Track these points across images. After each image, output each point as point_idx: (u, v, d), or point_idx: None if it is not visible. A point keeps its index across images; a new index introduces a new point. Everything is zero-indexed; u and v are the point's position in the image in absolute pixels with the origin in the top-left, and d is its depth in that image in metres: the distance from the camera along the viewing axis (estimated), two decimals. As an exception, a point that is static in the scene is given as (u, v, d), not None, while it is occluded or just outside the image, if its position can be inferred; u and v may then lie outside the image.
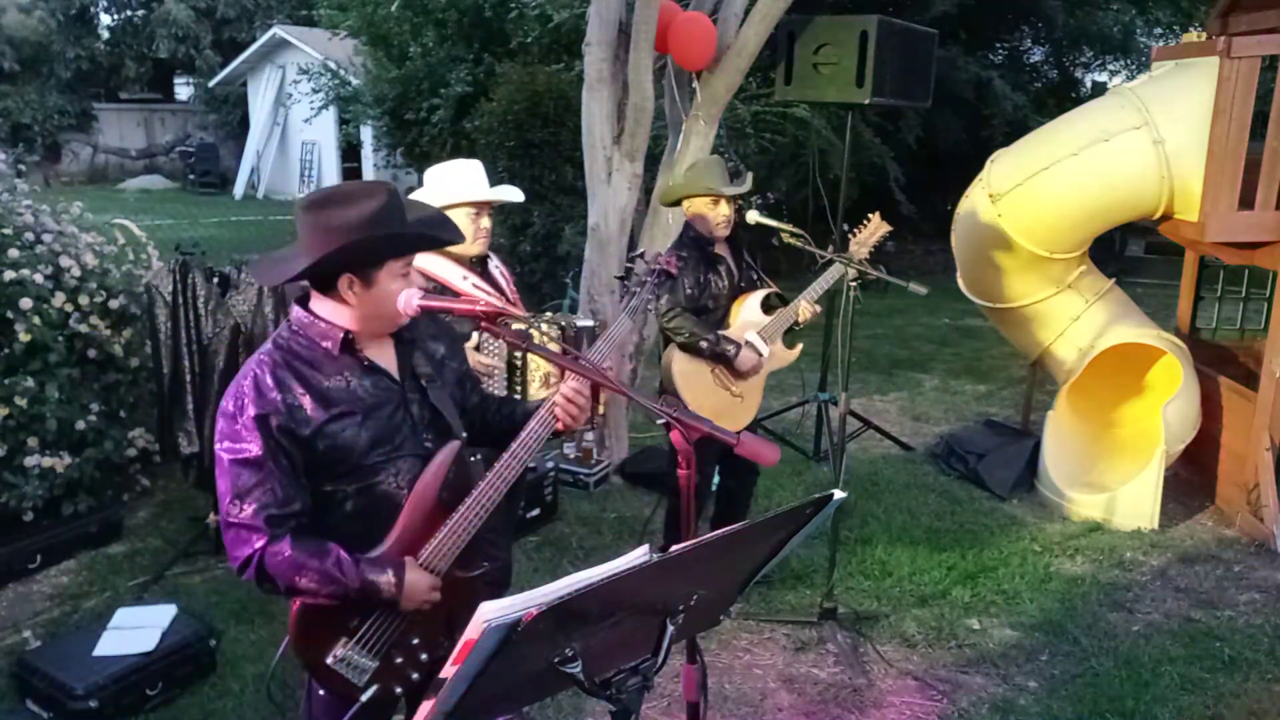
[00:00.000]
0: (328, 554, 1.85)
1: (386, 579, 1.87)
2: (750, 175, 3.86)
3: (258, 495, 1.82)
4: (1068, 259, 5.00)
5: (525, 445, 2.01)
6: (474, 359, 2.98)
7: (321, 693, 1.98)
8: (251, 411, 1.83)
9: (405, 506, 1.94)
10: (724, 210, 3.66)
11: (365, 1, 11.30)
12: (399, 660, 1.97)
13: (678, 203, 3.81)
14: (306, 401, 1.87)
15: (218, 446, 1.86)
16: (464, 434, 2.05)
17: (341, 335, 1.92)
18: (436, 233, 2.04)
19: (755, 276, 3.92)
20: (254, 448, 1.82)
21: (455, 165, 3.10)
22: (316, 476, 1.91)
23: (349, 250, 1.83)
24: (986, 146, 7.39)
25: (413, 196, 3.11)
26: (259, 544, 1.82)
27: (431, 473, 1.95)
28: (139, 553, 4.25)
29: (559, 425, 2.07)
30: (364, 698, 1.91)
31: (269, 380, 1.86)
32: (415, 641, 1.98)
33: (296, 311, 1.96)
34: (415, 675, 1.99)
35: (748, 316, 3.76)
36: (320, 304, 1.94)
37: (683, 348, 3.66)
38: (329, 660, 1.90)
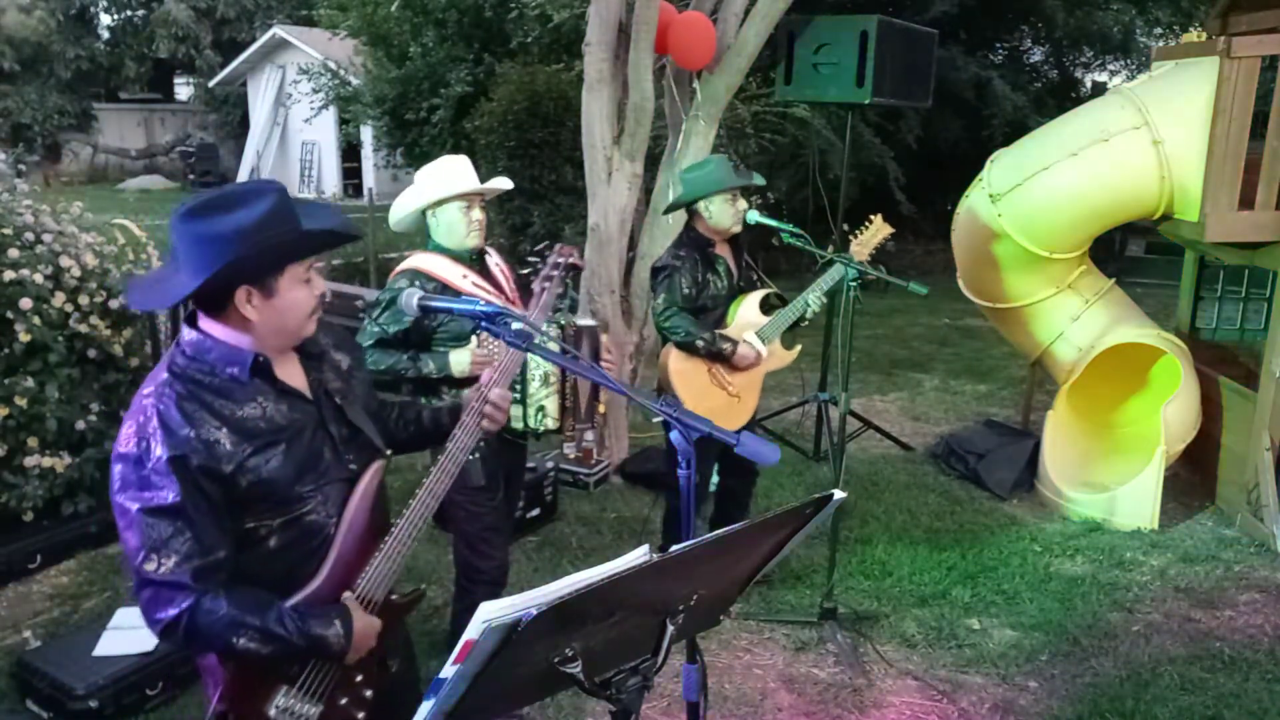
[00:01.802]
0: (269, 609, 1.69)
1: (335, 632, 1.73)
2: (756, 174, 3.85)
3: (178, 547, 1.62)
4: (1067, 259, 4.99)
5: (454, 458, 1.93)
6: (477, 358, 2.98)
7: None
8: (163, 453, 1.62)
9: (337, 536, 1.81)
10: (741, 206, 3.67)
11: (365, 1, 11.31)
12: (344, 701, 1.84)
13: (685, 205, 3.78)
14: (224, 435, 1.68)
15: (119, 496, 1.64)
16: (388, 450, 1.94)
17: (251, 359, 1.73)
18: (337, 228, 1.81)
19: (755, 277, 3.92)
20: (169, 494, 1.62)
21: (442, 161, 3.13)
22: (237, 514, 1.72)
23: (246, 259, 1.65)
24: (986, 146, 7.38)
25: (403, 195, 3.13)
26: (186, 603, 1.63)
27: (360, 496, 1.83)
28: (139, 553, 4.25)
29: (487, 429, 2.01)
30: None
31: (177, 415, 1.65)
32: (359, 679, 1.85)
33: (188, 334, 1.74)
34: (361, 714, 1.86)
35: (746, 317, 3.76)
36: (212, 326, 1.74)
37: (679, 346, 3.66)
38: (270, 712, 1.76)
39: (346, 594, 1.81)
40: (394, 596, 1.89)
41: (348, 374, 1.96)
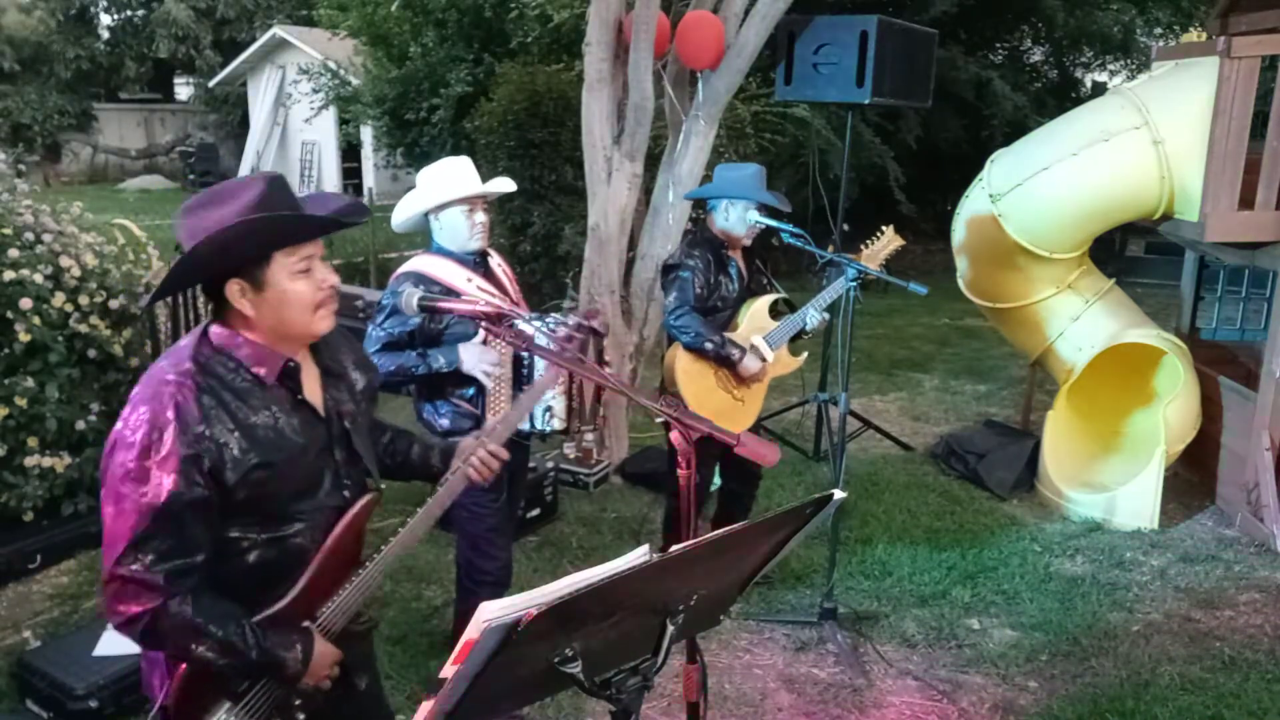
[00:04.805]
0: (230, 620, 1.63)
1: (294, 656, 1.69)
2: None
3: (159, 545, 1.56)
4: (1068, 259, 5.00)
5: (439, 503, 1.89)
6: (482, 360, 2.98)
7: None
8: (175, 448, 1.55)
9: (315, 562, 1.74)
10: (757, 224, 3.67)
11: (365, 1, 11.30)
12: None
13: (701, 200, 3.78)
14: (234, 440, 1.61)
15: (117, 485, 1.57)
16: (382, 485, 1.89)
17: (282, 362, 1.68)
18: (331, 216, 1.71)
19: (765, 281, 3.91)
20: (167, 490, 1.55)
21: (445, 164, 3.11)
22: (223, 521, 1.66)
23: (215, 246, 1.56)
24: (986, 146, 7.39)
25: (406, 198, 3.12)
26: (154, 603, 1.57)
27: (345, 526, 1.78)
28: (139, 553, 4.25)
29: (472, 482, 1.94)
30: None
31: (195, 410, 1.58)
32: (297, 703, 1.80)
33: (218, 329, 1.68)
34: None
35: (755, 321, 3.76)
36: (222, 329, 1.67)
37: (687, 347, 3.66)
38: None
39: (307, 624, 1.76)
40: (352, 625, 1.86)
41: (360, 396, 1.90)
